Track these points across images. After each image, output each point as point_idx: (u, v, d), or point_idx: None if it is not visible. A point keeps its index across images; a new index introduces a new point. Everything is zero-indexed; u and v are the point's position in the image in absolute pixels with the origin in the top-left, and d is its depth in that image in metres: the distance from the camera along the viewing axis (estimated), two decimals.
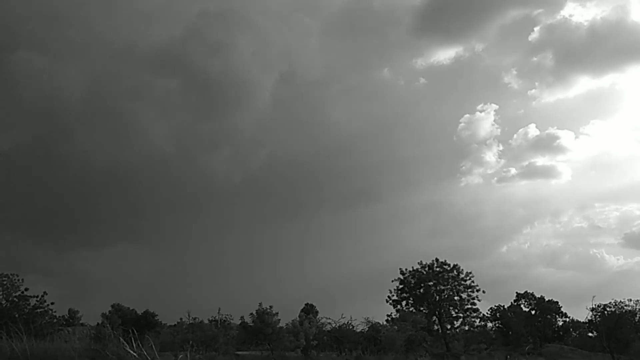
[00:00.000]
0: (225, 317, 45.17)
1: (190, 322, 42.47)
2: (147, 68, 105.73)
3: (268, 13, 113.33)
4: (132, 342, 12.07)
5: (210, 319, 45.71)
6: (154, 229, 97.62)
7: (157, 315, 53.59)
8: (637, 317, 47.29)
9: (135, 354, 11.33)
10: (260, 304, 41.04)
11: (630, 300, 47.23)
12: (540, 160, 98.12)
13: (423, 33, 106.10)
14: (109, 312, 50.77)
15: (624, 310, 46.51)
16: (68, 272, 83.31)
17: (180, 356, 12.34)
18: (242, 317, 43.02)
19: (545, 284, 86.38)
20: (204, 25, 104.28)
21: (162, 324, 53.03)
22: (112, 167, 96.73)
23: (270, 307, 40.99)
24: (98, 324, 44.86)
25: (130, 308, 53.05)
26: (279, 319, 41.44)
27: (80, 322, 57.99)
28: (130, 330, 12.84)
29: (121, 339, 12.40)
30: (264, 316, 40.12)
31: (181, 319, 46.33)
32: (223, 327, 43.07)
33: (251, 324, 41.58)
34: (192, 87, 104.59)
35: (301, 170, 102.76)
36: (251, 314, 41.10)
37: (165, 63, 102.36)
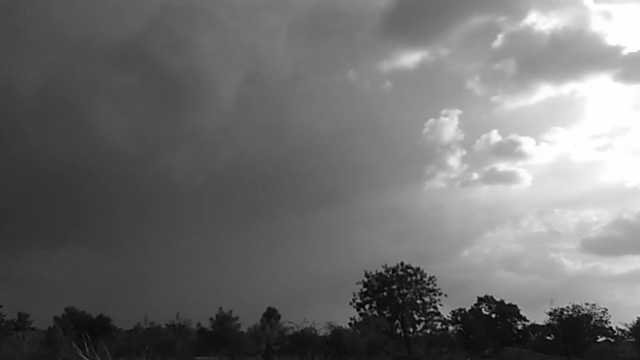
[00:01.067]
0: (184, 322, 43.96)
1: (147, 327, 41.11)
2: (105, 63, 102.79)
3: (234, 10, 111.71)
4: (84, 347, 11.16)
5: (169, 323, 44.42)
6: (111, 231, 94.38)
7: (112, 319, 51.75)
8: (593, 321, 48.51)
9: None
10: (220, 309, 40.12)
11: (587, 304, 48.59)
12: (502, 166, 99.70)
13: (389, 36, 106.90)
14: (62, 316, 48.69)
15: (580, 314, 47.69)
16: (19, 274, 79.20)
17: None
18: (199, 324, 42.06)
19: (505, 287, 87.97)
20: (167, 20, 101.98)
21: (117, 328, 51.19)
22: (67, 166, 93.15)
23: (230, 311, 40.13)
24: (49, 328, 42.83)
25: (85, 312, 51.10)
26: (239, 324, 40.61)
27: (31, 326, 55.41)
28: (84, 335, 11.93)
29: (73, 344, 11.45)
30: (224, 321, 39.18)
31: (138, 323, 44.85)
32: (181, 332, 41.85)
33: (210, 329, 40.54)
34: (153, 83, 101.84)
35: (266, 172, 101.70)
36: (211, 318, 40.11)
37: (125, 58, 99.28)
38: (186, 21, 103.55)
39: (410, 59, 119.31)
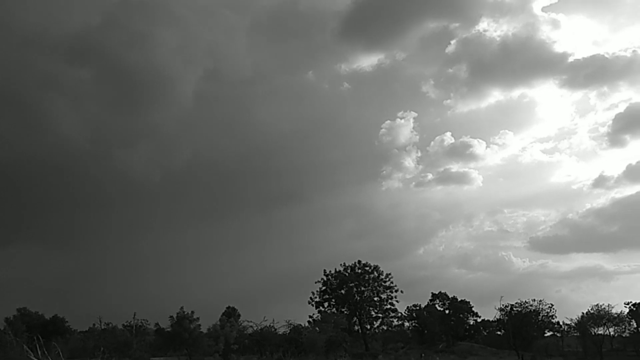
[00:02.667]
0: (142, 322, 43.61)
1: (103, 327, 40.59)
2: (59, 56, 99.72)
3: (193, 7, 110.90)
4: (37, 349, 11.31)
5: (125, 324, 43.95)
6: (66, 229, 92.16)
7: (67, 320, 50.86)
8: (541, 316, 50.72)
9: None
10: (181, 308, 40.04)
11: (534, 300, 50.73)
12: (455, 167, 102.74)
13: (347, 38, 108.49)
14: (13, 317, 47.41)
15: (528, 310, 49.77)
16: None
17: None
18: (157, 324, 41.85)
19: (458, 284, 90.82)
20: (124, 15, 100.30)
21: (72, 329, 50.28)
22: (18, 161, 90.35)
23: (192, 312, 40.14)
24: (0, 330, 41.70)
25: (39, 313, 49.93)
26: (199, 324, 40.60)
27: None
28: (36, 337, 12.04)
29: (25, 346, 11.57)
30: (183, 321, 39.11)
31: (94, 324, 44.20)
32: (138, 333, 41.51)
33: (168, 329, 40.39)
34: (109, 78, 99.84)
35: (225, 170, 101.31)
36: (171, 316, 39.96)
37: (80, 52, 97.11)
38: (144, 16, 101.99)
39: (368, 61, 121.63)
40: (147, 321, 43.70)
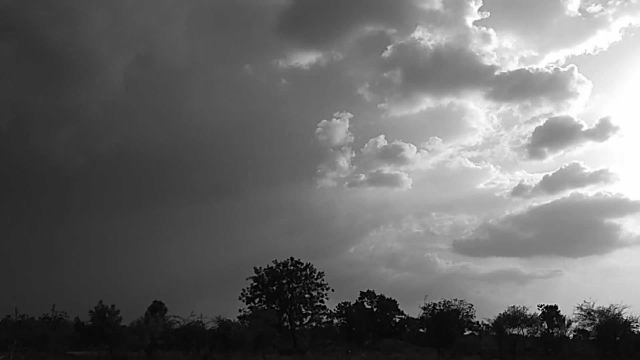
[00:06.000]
0: (60, 315, 41.74)
1: (18, 319, 38.47)
2: None
3: None
4: None
5: (42, 316, 41.88)
6: None
7: None
8: (461, 316, 53.00)
9: None
10: (100, 302, 38.60)
11: (456, 300, 52.71)
12: (387, 169, 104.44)
13: (285, 34, 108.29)
14: None
15: (450, 309, 51.87)
16: None
17: (1, 357, 11.15)
18: (77, 318, 40.19)
19: (385, 283, 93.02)
20: None
21: None
22: None
23: (113, 305, 38.78)
24: None
25: None
26: (121, 317, 39.35)
27: None
28: None
29: None
30: (104, 314, 37.76)
31: (8, 316, 41.77)
32: (57, 326, 39.67)
33: (89, 323, 38.87)
34: (31, 55, 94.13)
35: (155, 160, 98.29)
36: (91, 311, 38.46)
37: (1, 25, 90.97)
38: None
39: (306, 59, 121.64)
40: (67, 314, 41.92)
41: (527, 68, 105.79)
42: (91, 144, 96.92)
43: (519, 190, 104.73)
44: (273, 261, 56.01)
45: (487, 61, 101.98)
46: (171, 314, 45.80)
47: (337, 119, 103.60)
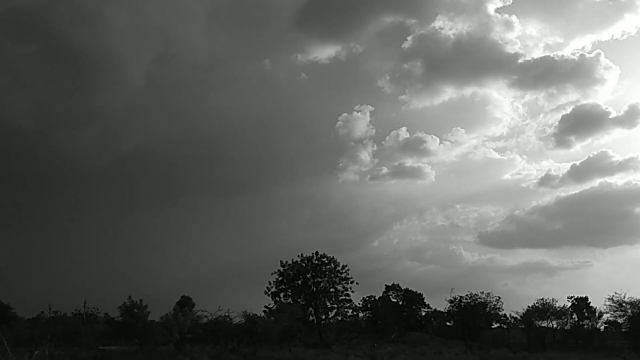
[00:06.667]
0: (92, 311, 42.71)
1: (51, 315, 39.50)
2: (2, 31, 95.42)
3: None
4: None
5: (75, 312, 42.93)
6: (9, 211, 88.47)
7: (12, 307, 49.27)
8: (488, 309, 52.52)
9: None
10: (129, 297, 39.38)
11: (482, 292, 52.38)
12: (409, 162, 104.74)
13: (304, 28, 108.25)
14: None
15: (477, 302, 51.46)
16: None
17: (36, 352, 11.47)
18: (106, 313, 41.10)
19: (410, 276, 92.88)
20: None
21: (18, 317, 48.73)
22: None
23: (141, 300, 39.51)
24: None
25: None
26: (149, 312, 40.10)
27: None
28: None
29: None
30: (132, 310, 38.48)
31: (42, 312, 42.96)
32: (88, 322, 40.63)
33: (119, 318, 39.69)
34: (55, 56, 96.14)
35: (178, 157, 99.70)
36: (120, 307, 39.26)
37: (25, 27, 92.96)
38: None
39: (325, 52, 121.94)
40: (98, 310, 42.87)
41: (552, 55, 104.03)
42: (114, 143, 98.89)
43: (546, 180, 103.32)
44: (298, 255, 56.31)
45: (510, 49, 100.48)
46: (198, 309, 46.49)
47: (357, 112, 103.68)
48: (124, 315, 38.64)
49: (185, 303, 51.90)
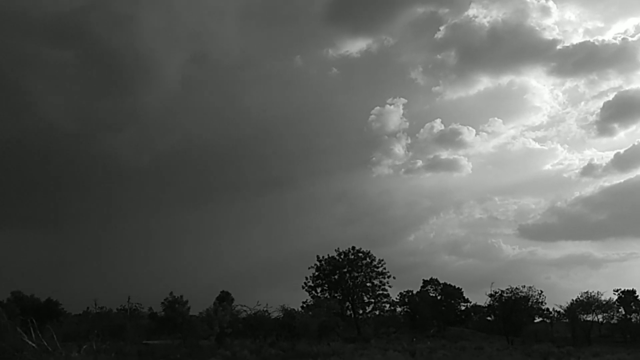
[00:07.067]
0: (136, 306, 43.85)
1: (97, 311, 40.80)
2: (41, 38, 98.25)
3: None
4: (31, 332, 11.42)
5: (119, 307, 44.17)
6: (56, 212, 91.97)
7: (61, 304, 51.06)
8: (530, 303, 51.39)
9: (33, 345, 10.74)
10: (171, 293, 40.30)
11: (524, 286, 51.28)
12: (444, 154, 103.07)
13: (334, 23, 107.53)
14: (7, 300, 47.55)
15: (518, 296, 50.40)
16: None
17: (84, 347, 11.84)
18: (150, 308, 42.12)
19: (448, 270, 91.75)
20: None
21: (66, 313, 50.50)
22: (4, 145, 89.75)
23: (181, 296, 40.40)
24: None
25: (34, 296, 50.10)
26: (189, 307, 40.96)
27: None
28: (30, 320, 12.15)
29: (18, 329, 11.69)
30: (174, 305, 39.38)
31: (88, 308, 44.41)
32: (133, 317, 41.78)
33: (162, 313, 40.68)
34: (93, 61, 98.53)
35: (214, 155, 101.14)
36: (162, 302, 40.23)
37: (63, 33, 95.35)
38: None
39: (356, 46, 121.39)
40: (141, 305, 43.97)
41: (592, 40, 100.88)
42: (153, 143, 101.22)
43: (589, 169, 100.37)
44: (335, 250, 56.39)
45: (548, 35, 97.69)
46: (237, 304, 47.22)
47: (390, 105, 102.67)
48: (166, 311, 39.56)
49: (224, 298, 52.81)
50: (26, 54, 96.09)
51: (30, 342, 10.82)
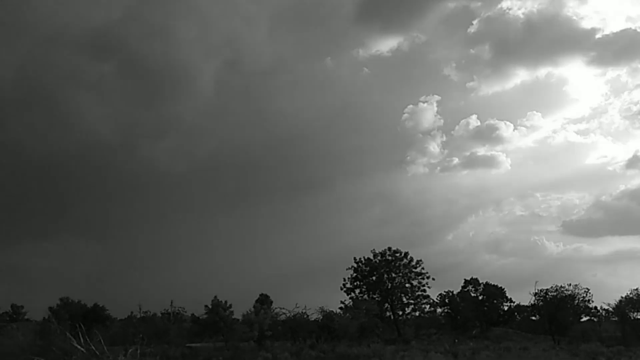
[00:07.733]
0: (179, 310, 44.69)
1: (142, 315, 41.80)
2: (81, 51, 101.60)
3: None
4: (79, 336, 11.81)
5: (163, 312, 45.11)
6: (101, 220, 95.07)
7: (107, 309, 52.51)
8: (576, 301, 49.80)
9: (82, 349, 11.11)
10: (215, 297, 41.02)
11: (570, 284, 49.67)
12: (481, 151, 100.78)
13: (363, 22, 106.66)
14: (57, 306, 49.29)
15: (564, 295, 48.88)
16: (11, 266, 79.69)
17: (130, 350, 12.17)
18: (192, 314, 42.97)
19: (489, 270, 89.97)
20: (144, 8, 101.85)
21: (112, 317, 51.92)
22: (50, 156, 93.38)
23: (225, 301, 41.08)
24: (44, 319, 43.44)
25: (81, 302, 51.78)
26: (232, 311, 41.56)
27: (25, 317, 56.00)
28: (78, 325, 12.55)
29: (68, 334, 12.10)
30: (217, 309, 40.08)
31: (132, 312, 45.53)
32: (176, 320, 42.62)
33: (204, 317, 41.43)
34: (131, 72, 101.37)
35: (250, 160, 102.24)
36: (206, 306, 41.01)
37: (102, 47, 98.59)
38: (163, 8, 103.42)
39: (386, 45, 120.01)
40: (184, 309, 44.78)
41: (633, 27, 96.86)
42: (190, 150, 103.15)
43: (634, 162, 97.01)
44: (371, 251, 56.11)
45: (586, 24, 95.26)
46: (276, 306, 47.56)
47: (423, 102, 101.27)
48: (209, 314, 40.26)
49: (263, 301, 53.33)
50: (69, 68, 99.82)
51: (79, 346, 11.20)
